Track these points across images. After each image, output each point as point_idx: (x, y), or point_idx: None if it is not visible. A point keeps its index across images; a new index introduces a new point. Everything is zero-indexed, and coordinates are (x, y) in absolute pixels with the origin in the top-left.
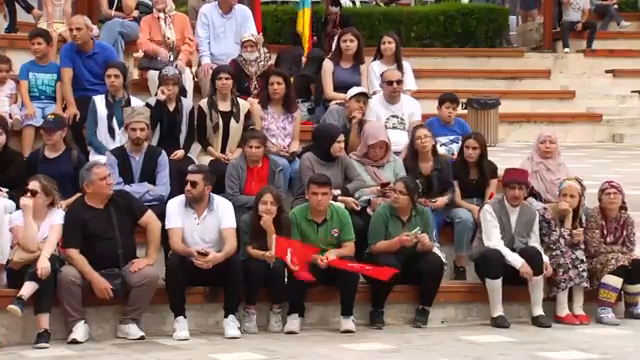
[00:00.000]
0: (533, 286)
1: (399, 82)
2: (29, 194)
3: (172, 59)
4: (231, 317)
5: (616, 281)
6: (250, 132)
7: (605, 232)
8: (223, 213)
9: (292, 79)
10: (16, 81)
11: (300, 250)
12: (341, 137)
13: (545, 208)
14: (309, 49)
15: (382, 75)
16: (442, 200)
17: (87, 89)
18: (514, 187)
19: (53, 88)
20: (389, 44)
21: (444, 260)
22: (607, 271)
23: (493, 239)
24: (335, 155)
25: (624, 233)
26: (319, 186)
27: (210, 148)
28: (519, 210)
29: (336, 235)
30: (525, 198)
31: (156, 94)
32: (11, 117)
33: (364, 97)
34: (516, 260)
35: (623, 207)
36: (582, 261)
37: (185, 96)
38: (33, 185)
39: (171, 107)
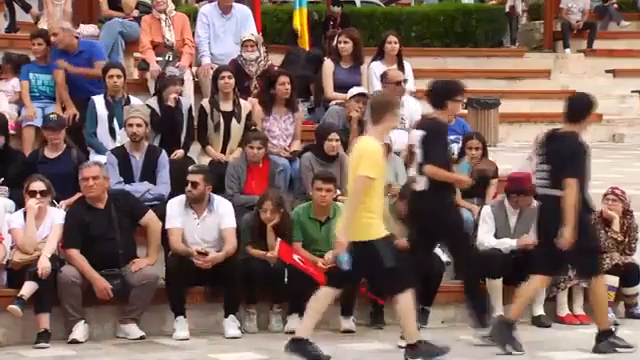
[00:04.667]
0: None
1: (404, 82)
2: (39, 195)
3: (171, 59)
4: (231, 317)
5: (612, 280)
6: (252, 133)
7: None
8: (223, 213)
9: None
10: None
11: (303, 255)
12: (333, 135)
13: None
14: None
15: (385, 75)
16: None
17: (86, 88)
18: (514, 197)
19: (53, 88)
20: (395, 44)
21: (444, 260)
22: (602, 270)
23: (484, 242)
24: (329, 154)
25: (625, 240)
26: (324, 182)
27: (209, 147)
28: (519, 211)
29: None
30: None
31: (154, 94)
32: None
33: (364, 97)
34: (510, 242)
35: (627, 213)
36: None
37: (183, 95)
38: (39, 186)
39: (174, 106)
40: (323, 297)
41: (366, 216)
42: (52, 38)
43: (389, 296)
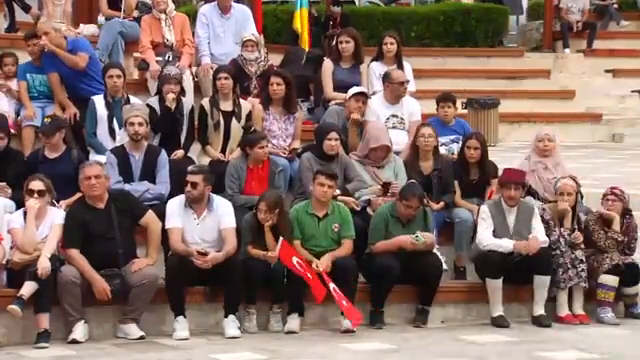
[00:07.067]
0: (538, 286)
1: (407, 82)
2: (36, 195)
3: (171, 59)
4: (231, 317)
5: (612, 280)
6: (255, 133)
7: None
8: (223, 213)
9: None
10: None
11: (303, 258)
12: (332, 134)
13: (544, 208)
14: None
15: (388, 75)
16: (437, 207)
17: (84, 88)
18: (510, 187)
19: (50, 88)
20: (391, 45)
21: (443, 262)
22: (602, 270)
23: (483, 240)
24: (329, 153)
25: (625, 240)
26: (327, 177)
27: (208, 147)
28: (516, 209)
29: (337, 230)
30: (523, 197)
31: (156, 94)
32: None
33: (363, 97)
34: (507, 245)
35: (626, 213)
36: (581, 261)
37: (185, 96)
38: (38, 185)
39: (172, 107)
40: None
41: None
42: (43, 37)
43: None
